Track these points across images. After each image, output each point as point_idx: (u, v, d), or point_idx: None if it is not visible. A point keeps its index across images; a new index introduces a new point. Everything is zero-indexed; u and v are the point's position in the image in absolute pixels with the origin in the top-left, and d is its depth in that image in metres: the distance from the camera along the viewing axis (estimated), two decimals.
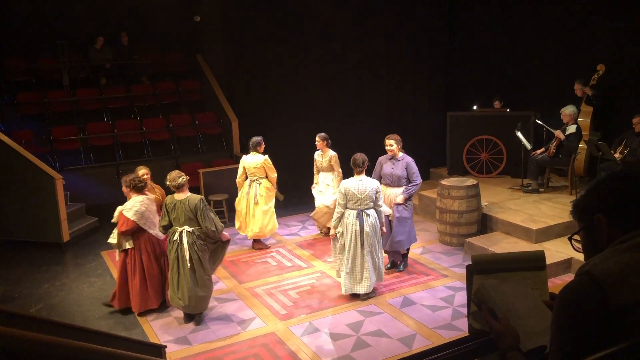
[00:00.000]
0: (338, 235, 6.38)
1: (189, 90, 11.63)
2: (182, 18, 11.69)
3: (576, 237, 1.74)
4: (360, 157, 6.30)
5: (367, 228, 6.18)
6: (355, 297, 6.44)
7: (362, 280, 6.29)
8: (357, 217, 6.19)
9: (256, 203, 7.84)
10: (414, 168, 6.88)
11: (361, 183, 6.22)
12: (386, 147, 6.92)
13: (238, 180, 7.98)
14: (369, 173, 6.52)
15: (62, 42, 10.40)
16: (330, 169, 8.17)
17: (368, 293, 6.38)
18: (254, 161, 7.81)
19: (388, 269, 7.11)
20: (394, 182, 6.91)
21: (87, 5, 10.83)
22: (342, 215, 6.30)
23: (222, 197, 9.21)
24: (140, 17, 11.26)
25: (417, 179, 6.89)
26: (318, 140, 8.15)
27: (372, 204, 6.24)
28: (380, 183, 6.78)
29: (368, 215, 6.22)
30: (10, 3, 10.37)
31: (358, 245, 6.22)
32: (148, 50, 11.62)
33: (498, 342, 1.73)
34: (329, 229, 8.21)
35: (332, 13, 11.75)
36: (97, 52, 10.96)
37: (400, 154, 6.90)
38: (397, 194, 6.88)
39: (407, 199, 6.90)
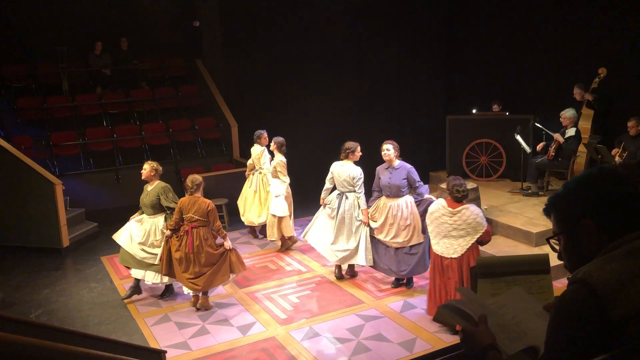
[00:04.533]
0: (327, 205, 6.98)
1: (188, 95, 11.64)
2: (181, 23, 11.72)
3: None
4: (346, 143, 6.82)
5: (343, 208, 6.79)
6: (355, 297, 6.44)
7: (356, 255, 6.78)
8: (337, 196, 6.88)
9: (255, 191, 8.30)
10: (416, 174, 6.52)
11: (342, 168, 6.82)
12: (382, 153, 6.59)
13: (247, 172, 8.74)
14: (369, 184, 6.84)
15: (61, 48, 10.42)
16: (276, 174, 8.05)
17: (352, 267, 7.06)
18: (253, 152, 8.41)
19: (395, 286, 6.85)
20: (392, 192, 6.52)
21: (87, 11, 10.85)
22: (329, 191, 7.01)
23: (222, 201, 9.21)
24: (139, 22, 11.29)
25: (422, 184, 6.58)
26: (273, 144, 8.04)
27: (351, 187, 6.76)
28: (381, 194, 6.68)
29: (347, 198, 6.79)
30: (10, 9, 10.38)
31: (336, 222, 6.83)
32: (147, 56, 11.63)
33: (472, 342, 1.65)
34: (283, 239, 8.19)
35: (331, 17, 11.77)
36: (97, 57, 10.98)
37: (397, 162, 6.52)
38: (399, 205, 6.48)
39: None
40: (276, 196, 7.91)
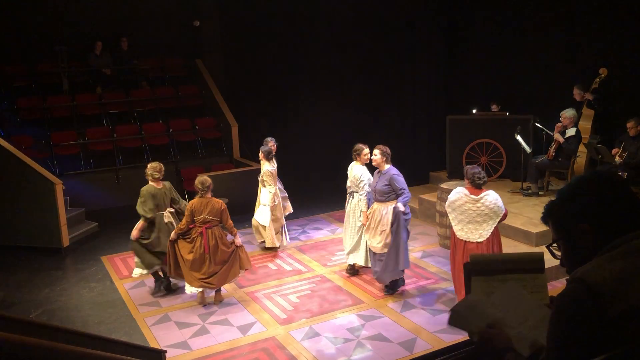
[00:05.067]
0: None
1: (188, 95, 11.64)
2: (181, 23, 11.72)
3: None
4: (355, 145, 6.94)
5: (349, 207, 7.12)
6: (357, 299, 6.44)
7: (357, 252, 7.08)
8: (348, 194, 7.16)
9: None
10: (399, 182, 6.30)
11: (351, 168, 7.02)
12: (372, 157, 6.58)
13: None
14: None
15: (61, 48, 10.42)
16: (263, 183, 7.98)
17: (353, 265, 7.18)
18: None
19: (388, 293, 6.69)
20: (377, 197, 6.46)
21: (87, 10, 10.86)
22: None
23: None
24: (139, 22, 11.28)
25: (404, 192, 6.30)
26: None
27: (356, 188, 6.90)
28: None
29: (353, 197, 7.05)
30: (10, 8, 10.38)
31: (345, 219, 7.23)
32: (147, 55, 11.63)
33: (490, 345, 1.65)
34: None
35: (332, 18, 11.77)
36: (97, 57, 10.98)
37: (387, 167, 6.38)
38: (381, 210, 6.41)
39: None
40: (263, 205, 7.91)
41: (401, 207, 6.28)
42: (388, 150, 6.45)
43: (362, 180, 6.80)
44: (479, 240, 5.73)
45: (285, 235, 8.24)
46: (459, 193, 5.85)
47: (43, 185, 8.24)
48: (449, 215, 5.94)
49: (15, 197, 8.34)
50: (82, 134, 10.21)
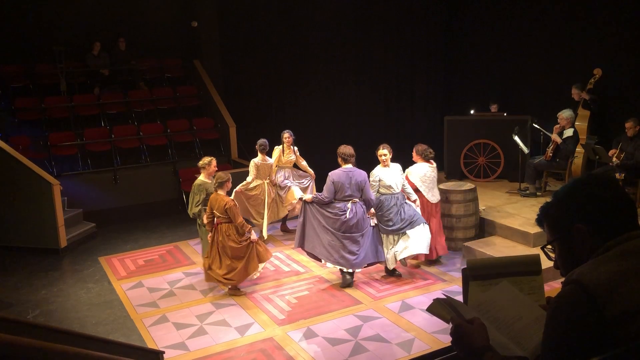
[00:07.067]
0: None
1: (186, 95, 11.63)
2: (179, 23, 11.72)
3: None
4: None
5: None
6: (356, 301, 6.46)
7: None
8: None
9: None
10: (326, 182, 6.66)
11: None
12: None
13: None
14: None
15: (59, 48, 10.40)
16: None
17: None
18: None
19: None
20: None
21: (85, 11, 10.85)
22: None
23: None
24: (137, 22, 11.28)
25: (323, 192, 6.70)
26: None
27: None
28: None
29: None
30: (8, 9, 10.37)
31: None
32: (145, 56, 11.63)
33: (466, 341, 1.61)
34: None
35: (330, 19, 11.78)
36: (95, 57, 10.98)
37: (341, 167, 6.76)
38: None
39: (314, 202, 6.79)
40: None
41: (305, 196, 7.05)
42: (342, 151, 6.78)
43: (372, 181, 6.87)
44: (439, 199, 7.32)
45: (264, 227, 8.44)
46: (423, 168, 7.18)
47: (40, 185, 8.23)
48: (419, 188, 7.13)
49: (12, 198, 8.33)
50: (79, 135, 10.20)
